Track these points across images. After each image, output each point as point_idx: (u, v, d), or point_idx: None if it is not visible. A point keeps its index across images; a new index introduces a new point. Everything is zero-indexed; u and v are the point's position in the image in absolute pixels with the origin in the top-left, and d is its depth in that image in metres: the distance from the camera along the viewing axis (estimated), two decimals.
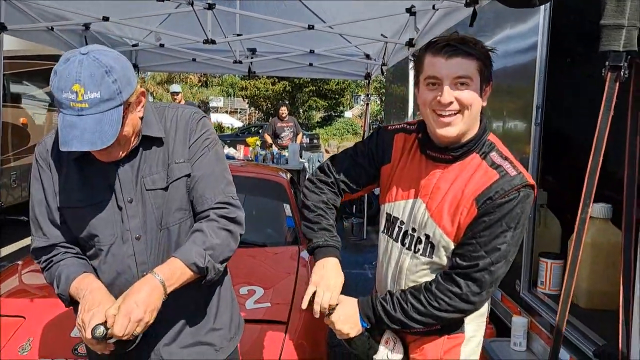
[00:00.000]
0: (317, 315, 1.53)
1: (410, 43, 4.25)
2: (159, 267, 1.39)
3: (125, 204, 1.45)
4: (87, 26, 4.86)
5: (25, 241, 6.39)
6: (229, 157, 7.00)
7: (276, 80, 26.47)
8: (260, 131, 20.21)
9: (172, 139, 1.50)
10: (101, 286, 1.42)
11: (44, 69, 7.14)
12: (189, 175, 1.50)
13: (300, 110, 29.03)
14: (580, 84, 3.60)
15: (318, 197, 1.68)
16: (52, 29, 4.50)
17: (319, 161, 10.54)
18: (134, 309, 1.28)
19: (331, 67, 6.69)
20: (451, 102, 1.41)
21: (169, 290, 1.36)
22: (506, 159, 1.48)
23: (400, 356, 1.65)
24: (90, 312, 1.31)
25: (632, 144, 1.30)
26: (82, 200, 1.45)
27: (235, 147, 8.18)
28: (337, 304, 1.55)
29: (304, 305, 1.54)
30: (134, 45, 5.91)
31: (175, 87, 8.67)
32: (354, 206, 7.63)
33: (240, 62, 5.77)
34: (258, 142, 7.96)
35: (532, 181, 1.44)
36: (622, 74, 1.27)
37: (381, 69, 6.11)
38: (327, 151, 20.79)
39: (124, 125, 1.33)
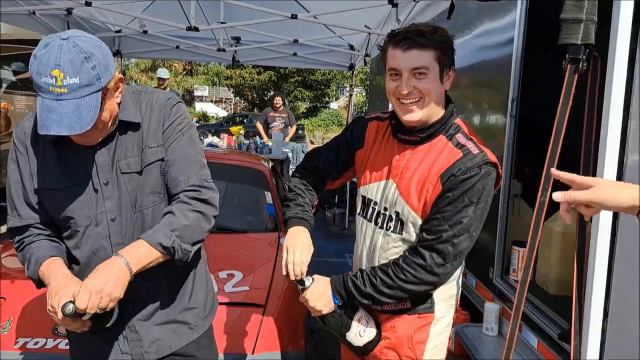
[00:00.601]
0: (293, 277, 1.58)
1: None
2: (123, 249, 1.42)
3: (101, 186, 1.48)
4: (69, 11, 4.83)
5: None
6: (212, 146, 7.01)
7: (262, 70, 26.36)
8: (245, 121, 20.17)
9: (147, 123, 1.53)
10: (66, 272, 1.44)
11: (25, 53, 7.05)
12: (162, 160, 1.53)
13: (286, 101, 28.97)
14: (556, 77, 3.69)
15: (299, 180, 1.79)
16: (34, 12, 4.47)
17: (302, 152, 10.56)
18: (95, 283, 1.32)
19: (315, 58, 6.73)
20: (410, 92, 1.51)
21: (134, 269, 1.39)
22: (470, 139, 1.56)
23: (373, 334, 1.71)
24: (57, 296, 1.34)
25: (589, 133, 1.38)
26: (59, 183, 1.48)
27: (219, 136, 8.17)
28: (312, 280, 1.61)
29: (284, 271, 1.60)
30: (117, 32, 5.88)
31: (162, 73, 7.88)
32: (336, 196, 7.69)
33: (224, 50, 5.78)
34: (242, 131, 7.97)
35: (494, 159, 1.52)
36: (580, 66, 1.34)
37: (364, 59, 6.17)
38: (311, 142, 20.80)
39: (102, 111, 1.35)
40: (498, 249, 3.35)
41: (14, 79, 6.95)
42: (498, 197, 3.33)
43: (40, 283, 1.49)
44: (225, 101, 36.42)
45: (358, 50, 6.35)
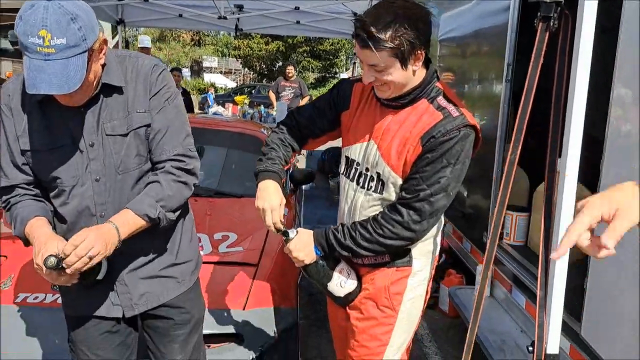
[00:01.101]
0: (274, 231, 1.65)
1: None
2: (113, 217, 1.49)
3: (86, 147, 1.52)
4: None
5: None
6: (216, 114, 7.06)
7: (270, 40, 26.12)
8: (252, 92, 20.11)
9: (133, 88, 1.55)
10: (48, 231, 1.48)
11: None
12: (149, 125, 1.56)
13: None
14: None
15: (276, 135, 1.81)
16: None
17: None
18: (79, 237, 1.39)
19: (318, 25, 6.69)
20: (372, 82, 1.54)
21: (122, 236, 1.47)
22: (451, 102, 1.58)
23: (354, 286, 1.77)
24: (39, 254, 1.40)
25: (559, 89, 1.41)
26: (46, 144, 1.51)
27: (224, 106, 8.20)
28: (297, 232, 1.67)
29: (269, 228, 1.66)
30: (119, 0, 5.88)
31: (145, 41, 6.87)
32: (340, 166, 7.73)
33: (226, 17, 5.76)
34: (246, 101, 7.99)
35: (473, 122, 1.54)
36: (551, 24, 1.36)
37: (356, 16, 6.11)
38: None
39: (87, 72, 1.39)
40: (492, 213, 3.40)
41: (12, 48, 6.99)
42: (492, 163, 3.36)
43: (27, 241, 1.54)
44: (234, 72, 36.23)
45: None
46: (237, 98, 8.18)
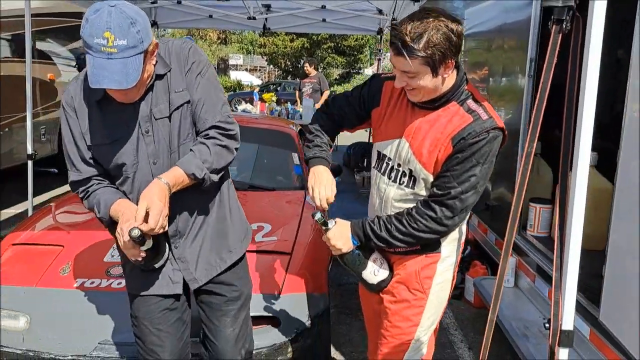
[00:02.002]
0: (320, 208, 1.77)
1: None
2: (164, 174, 1.64)
3: (143, 135, 1.69)
4: None
5: (56, 191, 6.82)
6: (245, 112, 7.26)
7: (294, 37, 26.29)
8: (278, 89, 20.33)
9: (170, 70, 1.69)
10: (135, 206, 1.66)
11: (67, 26, 7.40)
12: (188, 102, 1.70)
13: (319, 68, 28.91)
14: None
15: (317, 123, 1.96)
16: None
17: None
18: (154, 202, 1.56)
19: (344, 23, 6.81)
20: (404, 86, 1.66)
21: (173, 189, 1.63)
22: (480, 105, 1.69)
23: (386, 274, 1.91)
24: (128, 222, 1.59)
25: (571, 88, 1.52)
26: (107, 137, 1.68)
27: (252, 104, 8.41)
28: (335, 222, 1.80)
29: (313, 203, 1.80)
30: (152, 2, 6.11)
31: None
32: (365, 160, 7.85)
33: (254, 18, 5.94)
34: (274, 98, 8.17)
35: (500, 124, 1.66)
36: (564, 26, 1.48)
37: (391, 24, 6.20)
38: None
39: (143, 72, 1.55)
40: (516, 206, 3.49)
41: (58, 51, 7.31)
42: (516, 156, 3.45)
43: (109, 223, 1.72)
44: (259, 69, 36.56)
45: (386, 15, 6.39)
46: (265, 95, 8.35)
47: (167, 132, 1.71)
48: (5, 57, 6.23)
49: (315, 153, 1.88)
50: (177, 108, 1.70)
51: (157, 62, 1.66)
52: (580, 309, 2.43)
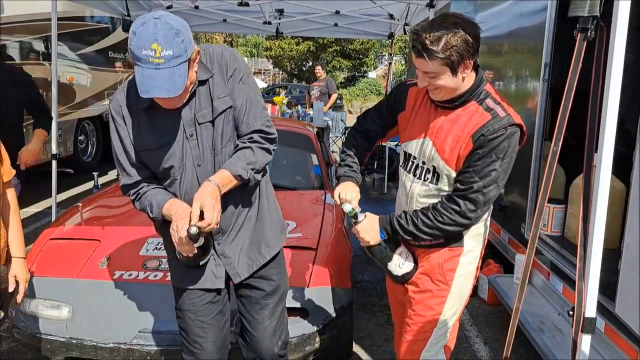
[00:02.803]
0: (348, 210, 1.90)
1: (430, 4, 4.51)
2: (213, 176, 1.74)
3: (187, 139, 1.77)
4: None
5: (73, 191, 6.95)
6: None
7: (300, 41, 26.44)
8: (284, 92, 20.48)
9: (212, 76, 1.76)
10: (186, 205, 1.75)
11: (78, 30, 7.53)
12: (231, 107, 1.78)
13: (322, 69, 29.02)
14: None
15: (349, 142, 2.11)
16: None
17: (342, 120, 10.84)
18: (207, 200, 1.65)
19: (355, 27, 6.91)
20: (425, 86, 1.78)
21: (222, 190, 1.73)
22: (499, 103, 1.81)
23: (410, 267, 2.02)
24: (182, 220, 1.69)
25: (595, 94, 1.63)
26: (154, 143, 1.77)
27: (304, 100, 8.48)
28: (365, 216, 1.92)
29: (337, 201, 1.94)
30: (168, 7, 6.24)
31: None
32: (375, 162, 7.97)
33: (270, 22, 6.06)
34: (284, 101, 8.29)
35: (518, 121, 1.77)
36: (589, 34, 1.59)
37: (404, 28, 6.32)
38: (349, 112, 20.89)
39: (187, 78, 1.63)
40: (530, 205, 3.60)
41: (74, 54, 7.44)
42: (530, 158, 3.56)
43: (161, 223, 1.82)
44: (264, 72, 36.73)
45: (398, 20, 6.50)
46: (276, 99, 8.47)
47: (211, 136, 1.81)
48: (29, 60, 6.36)
49: (345, 172, 2.03)
50: (221, 113, 1.79)
51: (198, 68, 1.74)
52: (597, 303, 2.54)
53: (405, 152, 2.02)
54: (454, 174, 1.85)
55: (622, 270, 2.35)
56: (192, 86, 1.74)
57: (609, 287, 2.45)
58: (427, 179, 1.92)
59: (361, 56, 28.58)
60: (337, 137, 9.80)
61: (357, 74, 30.02)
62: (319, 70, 9.07)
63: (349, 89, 27.70)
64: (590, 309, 1.64)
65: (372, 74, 31.44)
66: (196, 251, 1.74)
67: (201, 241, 1.72)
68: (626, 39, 1.51)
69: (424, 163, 1.92)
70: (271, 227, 2.04)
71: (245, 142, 1.82)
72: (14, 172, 2.09)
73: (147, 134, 1.79)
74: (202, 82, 1.77)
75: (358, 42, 26.22)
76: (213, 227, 1.68)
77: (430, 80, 1.74)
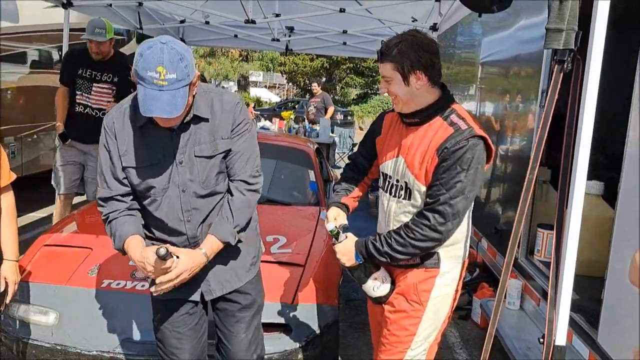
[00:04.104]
0: (330, 230, 2.00)
1: (434, 27, 4.57)
2: (203, 244, 1.88)
3: (176, 165, 1.86)
4: (140, 3, 5.34)
5: (79, 197, 7.03)
6: (264, 129, 7.47)
7: (314, 57, 26.69)
8: (296, 106, 20.64)
9: (219, 118, 1.88)
10: (142, 247, 1.84)
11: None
12: (229, 150, 1.91)
13: (337, 87, 29.26)
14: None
15: (342, 175, 2.28)
16: (110, 5, 5.00)
17: (350, 137, 10.90)
18: (184, 272, 1.82)
19: (364, 47, 7.01)
20: (385, 93, 1.90)
21: (210, 258, 1.90)
22: (462, 118, 1.86)
23: (386, 291, 2.04)
24: (139, 255, 1.79)
25: (570, 122, 1.66)
26: (143, 161, 1.84)
27: (271, 120, 8.62)
28: (346, 237, 1.99)
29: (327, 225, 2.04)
30: (181, 22, 6.39)
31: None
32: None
33: (278, 40, 6.16)
34: (292, 116, 8.38)
35: (480, 133, 1.81)
36: (565, 66, 1.62)
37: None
38: (360, 128, 20.96)
39: (187, 100, 1.71)
40: (524, 231, 3.60)
41: None
42: (523, 183, 3.57)
43: (125, 252, 1.90)
44: (278, 87, 37.07)
45: None
46: (284, 114, 8.57)
47: (205, 170, 1.89)
48: (39, 68, 6.52)
49: (335, 201, 2.20)
50: (220, 153, 1.91)
51: (195, 99, 1.84)
52: (580, 331, 2.53)
53: (382, 173, 2.08)
54: (424, 189, 1.90)
55: (605, 298, 2.34)
56: (187, 108, 1.80)
57: (594, 315, 2.44)
58: (401, 195, 1.97)
59: (374, 74, 28.70)
60: (345, 153, 9.84)
61: (369, 92, 30.16)
62: (315, 86, 9.26)
63: (361, 105, 27.79)
64: (561, 337, 1.65)
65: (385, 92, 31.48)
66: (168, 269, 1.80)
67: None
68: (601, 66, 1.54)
69: (397, 181, 1.98)
70: (248, 252, 2.09)
71: (232, 196, 1.95)
72: (14, 176, 2.15)
73: (137, 151, 1.86)
74: (205, 120, 1.87)
75: (371, 59, 26.33)
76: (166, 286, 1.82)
77: (387, 86, 1.88)
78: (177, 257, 1.81)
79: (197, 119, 1.87)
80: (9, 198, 2.15)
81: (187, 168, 1.87)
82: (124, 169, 1.87)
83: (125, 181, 1.89)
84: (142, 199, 1.93)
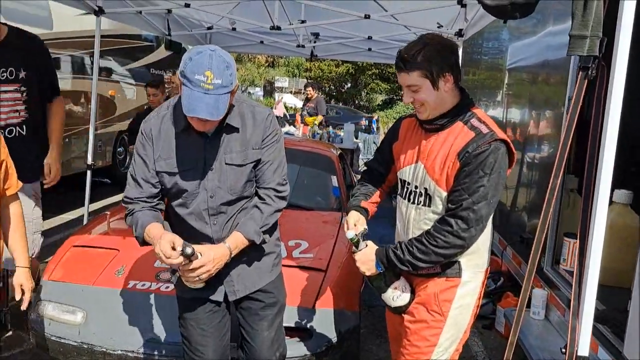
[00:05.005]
0: (350, 238, 1.98)
1: (459, 33, 4.54)
2: (228, 239, 1.94)
3: (207, 171, 1.94)
4: (169, 10, 5.46)
5: (109, 200, 7.21)
6: (288, 134, 7.52)
7: (340, 63, 26.73)
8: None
9: (251, 128, 1.96)
10: (162, 230, 1.89)
11: (127, 47, 7.92)
12: (259, 160, 1.98)
13: (363, 93, 29.24)
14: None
15: (361, 180, 2.23)
16: (140, 12, 5.12)
17: (374, 143, 10.89)
18: (208, 263, 1.86)
19: (389, 53, 6.99)
20: (410, 102, 1.86)
21: (233, 254, 1.94)
22: (483, 122, 1.83)
23: (405, 301, 2.01)
24: (160, 242, 1.78)
25: (595, 129, 1.64)
26: (177, 167, 1.93)
27: (294, 126, 8.67)
28: (366, 245, 1.97)
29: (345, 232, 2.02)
30: (208, 28, 6.49)
31: None
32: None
33: (303, 46, 6.21)
34: (316, 122, 8.41)
35: (502, 136, 1.79)
36: (589, 73, 1.60)
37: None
38: (385, 134, 20.84)
39: (227, 106, 1.80)
40: (550, 240, 3.54)
41: (121, 69, 7.81)
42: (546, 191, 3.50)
43: (143, 241, 1.96)
44: (303, 92, 37.18)
45: None
46: (308, 119, 8.59)
47: (235, 177, 1.96)
48: (72, 74, 6.72)
49: (352, 203, 2.16)
50: (251, 162, 1.98)
51: (236, 116, 1.93)
52: (606, 343, 2.47)
53: (401, 180, 2.05)
54: (445, 195, 1.86)
55: (632, 309, 2.29)
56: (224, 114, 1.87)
57: (620, 326, 2.39)
58: (420, 202, 1.93)
59: None
60: (369, 158, 9.82)
61: (395, 97, 30.01)
62: (309, 91, 9.05)
63: (386, 111, 27.68)
64: (584, 348, 1.62)
65: None
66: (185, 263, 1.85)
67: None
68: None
69: (416, 187, 1.94)
70: (271, 253, 2.14)
71: (260, 201, 2.02)
72: (20, 184, 2.16)
73: (172, 157, 1.94)
74: (236, 130, 1.95)
75: None
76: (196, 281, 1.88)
77: (413, 94, 1.82)
78: (201, 254, 1.86)
79: (230, 128, 1.94)
80: (16, 206, 2.16)
81: (217, 175, 1.94)
82: (157, 173, 1.95)
83: (158, 185, 1.97)
84: (172, 199, 2.00)
